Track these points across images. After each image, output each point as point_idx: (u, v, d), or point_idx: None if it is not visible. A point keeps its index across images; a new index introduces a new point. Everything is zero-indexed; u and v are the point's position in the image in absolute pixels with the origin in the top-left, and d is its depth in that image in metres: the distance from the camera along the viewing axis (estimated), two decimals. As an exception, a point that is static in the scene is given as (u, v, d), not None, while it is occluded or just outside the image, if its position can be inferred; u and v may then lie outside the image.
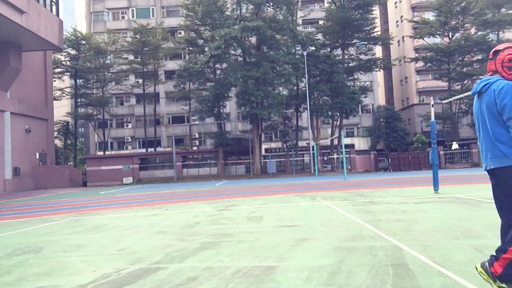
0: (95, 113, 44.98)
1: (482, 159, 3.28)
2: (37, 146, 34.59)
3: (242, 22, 35.16)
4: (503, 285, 2.94)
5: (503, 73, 3.13)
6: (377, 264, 4.11)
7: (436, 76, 44.04)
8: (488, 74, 3.26)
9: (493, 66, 3.19)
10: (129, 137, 49.34)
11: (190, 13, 39.07)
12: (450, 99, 21.62)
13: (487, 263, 3.01)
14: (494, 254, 3.02)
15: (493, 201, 3.31)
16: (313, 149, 35.56)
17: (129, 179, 38.07)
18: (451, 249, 4.61)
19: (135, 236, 6.75)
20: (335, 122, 42.01)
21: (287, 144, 43.11)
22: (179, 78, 37.99)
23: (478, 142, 3.34)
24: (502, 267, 2.92)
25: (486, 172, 3.39)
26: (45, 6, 29.65)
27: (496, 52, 3.19)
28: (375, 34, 42.04)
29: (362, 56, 42.66)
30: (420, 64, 47.00)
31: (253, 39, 37.19)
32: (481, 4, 39.43)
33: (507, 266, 2.92)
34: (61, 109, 56.08)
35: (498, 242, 4.81)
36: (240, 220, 8.03)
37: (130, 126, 49.64)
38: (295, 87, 39.19)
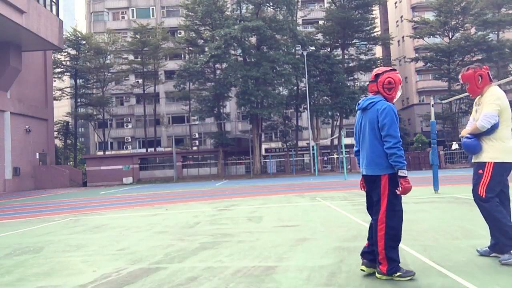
0: (95, 113, 44.97)
1: (359, 165, 3.84)
2: (37, 146, 34.60)
3: (242, 22, 35.15)
4: (397, 274, 3.52)
5: (384, 94, 3.70)
6: (377, 264, 4.11)
7: (436, 76, 44.00)
8: (371, 94, 3.78)
9: (375, 87, 3.73)
10: (129, 137, 49.34)
11: (190, 13, 39.06)
12: (450, 99, 21.60)
13: (377, 269, 3.60)
14: (377, 262, 3.60)
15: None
16: (313, 149, 35.56)
17: (129, 179, 38.07)
18: (451, 249, 4.61)
19: (135, 236, 6.76)
20: (335, 122, 42.01)
21: (287, 144, 43.11)
22: (179, 78, 37.99)
23: (356, 150, 3.91)
24: (386, 265, 3.53)
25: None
26: (45, 6, 29.64)
27: (377, 76, 3.71)
28: (375, 34, 42.03)
29: (362, 56, 42.65)
30: (420, 64, 47.01)
31: (253, 39, 37.18)
32: (481, 4, 39.42)
33: (387, 263, 3.52)
34: (61, 109, 56.08)
35: (498, 242, 4.81)
36: (240, 220, 8.03)
37: (130, 126, 49.64)
38: (295, 87, 39.19)
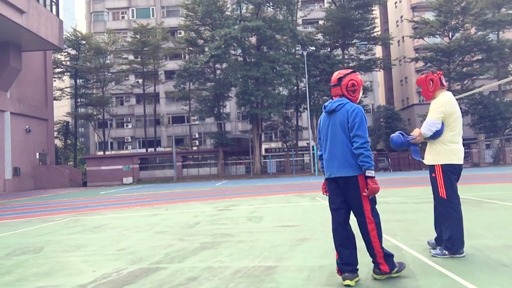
0: (95, 113, 44.96)
1: (326, 167, 3.75)
2: (37, 146, 34.59)
3: (242, 22, 35.14)
4: (395, 271, 3.62)
5: (349, 96, 3.70)
6: (377, 264, 4.10)
7: (436, 76, 43.91)
8: (335, 97, 3.76)
9: (339, 91, 3.72)
10: (129, 137, 49.32)
11: (190, 13, 39.06)
12: (450, 99, 21.58)
13: (376, 270, 3.61)
14: (374, 264, 3.62)
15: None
16: (313, 149, 35.57)
17: (129, 179, 38.06)
18: (451, 249, 4.60)
19: (135, 236, 6.76)
20: (335, 122, 41.92)
21: (287, 144, 43.11)
22: (179, 78, 37.98)
23: (323, 153, 3.79)
24: (388, 264, 3.58)
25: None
26: (45, 6, 29.64)
27: (340, 79, 3.71)
28: (375, 34, 41.99)
29: (362, 56, 42.63)
30: (420, 64, 46.96)
31: (253, 39, 37.17)
32: (481, 4, 39.39)
33: (386, 262, 3.58)
34: (61, 109, 56.09)
35: (497, 242, 4.82)
36: (240, 220, 8.03)
37: (130, 126, 49.62)
38: (295, 87, 39.18)
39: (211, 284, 3.75)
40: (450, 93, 4.42)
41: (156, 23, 47.24)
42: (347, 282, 3.46)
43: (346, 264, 3.54)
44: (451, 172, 4.25)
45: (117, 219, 9.23)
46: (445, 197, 4.21)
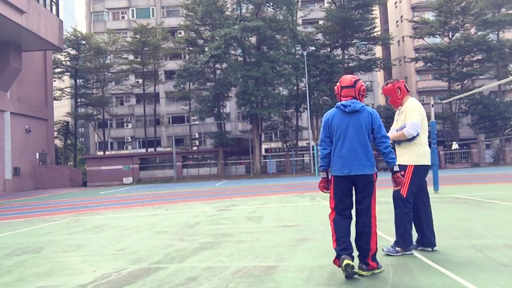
0: (95, 113, 44.96)
1: (342, 164, 3.75)
2: (37, 146, 34.58)
3: (242, 22, 35.15)
4: (380, 267, 3.82)
5: (359, 100, 3.88)
6: (377, 264, 4.10)
7: (436, 76, 43.95)
8: (346, 98, 3.87)
9: (353, 93, 3.87)
10: (129, 137, 49.31)
11: (190, 13, 39.05)
12: (450, 99, 21.56)
13: (363, 266, 3.72)
14: (363, 260, 3.74)
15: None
16: (313, 149, 35.57)
17: (129, 179, 38.06)
18: (451, 249, 4.61)
19: (135, 236, 6.76)
20: (335, 122, 41.89)
21: (287, 144, 43.11)
22: (179, 78, 37.98)
23: (339, 151, 3.79)
24: (374, 261, 3.76)
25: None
26: (45, 6, 29.63)
27: (355, 82, 3.89)
28: (375, 34, 41.99)
29: (362, 56, 42.61)
30: (420, 64, 46.99)
31: (253, 39, 37.17)
32: (481, 4, 39.39)
33: (374, 259, 3.76)
34: (61, 109, 56.04)
35: (498, 242, 4.82)
36: (240, 220, 8.03)
37: (130, 126, 49.62)
38: (295, 87, 39.17)
39: (211, 284, 3.75)
40: (414, 98, 4.70)
41: (156, 23, 47.21)
42: (347, 261, 3.55)
43: (345, 249, 3.66)
44: (421, 175, 4.46)
45: (117, 219, 9.23)
46: (404, 196, 4.38)
